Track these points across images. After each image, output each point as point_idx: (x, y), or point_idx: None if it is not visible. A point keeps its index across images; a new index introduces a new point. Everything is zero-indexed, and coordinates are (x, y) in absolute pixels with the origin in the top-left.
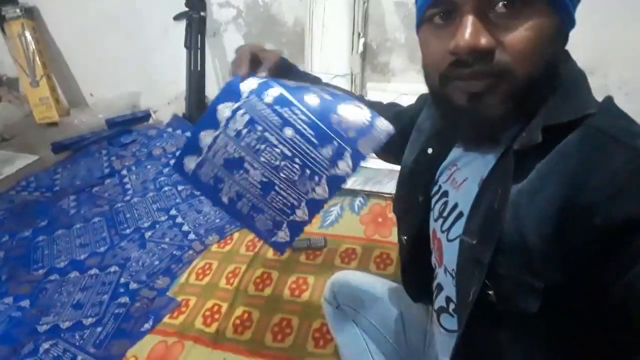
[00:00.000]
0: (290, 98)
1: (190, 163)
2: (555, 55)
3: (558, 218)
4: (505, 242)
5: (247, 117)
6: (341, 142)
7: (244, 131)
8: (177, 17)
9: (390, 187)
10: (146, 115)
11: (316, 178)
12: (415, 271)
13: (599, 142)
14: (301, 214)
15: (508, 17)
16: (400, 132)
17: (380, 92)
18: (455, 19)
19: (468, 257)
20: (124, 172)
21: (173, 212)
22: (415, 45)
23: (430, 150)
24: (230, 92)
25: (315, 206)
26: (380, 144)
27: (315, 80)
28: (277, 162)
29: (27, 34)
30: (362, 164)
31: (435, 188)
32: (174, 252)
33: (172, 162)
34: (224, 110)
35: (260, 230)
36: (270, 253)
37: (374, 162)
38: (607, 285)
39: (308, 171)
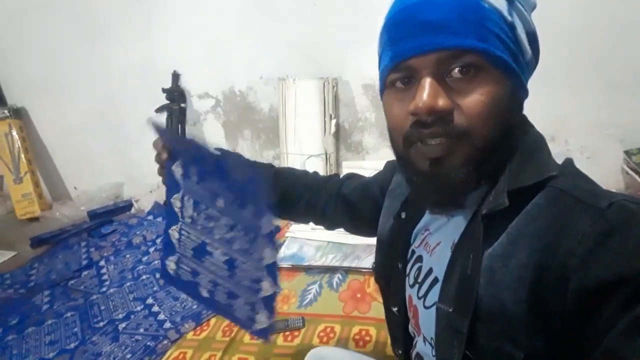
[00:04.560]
0: (207, 169)
1: (171, 264)
2: (511, 119)
3: (532, 283)
4: (482, 310)
5: (191, 201)
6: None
7: (195, 214)
8: (159, 110)
9: (368, 261)
10: (128, 205)
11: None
12: (405, 340)
13: (565, 204)
14: (267, 285)
15: (464, 82)
16: (371, 202)
17: (357, 169)
18: (415, 83)
19: (446, 326)
20: (102, 262)
21: (150, 300)
22: (385, 123)
23: (404, 215)
24: (172, 183)
25: (273, 270)
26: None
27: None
28: (228, 235)
29: (14, 133)
30: (340, 240)
31: (409, 253)
32: (148, 343)
33: (151, 250)
34: (176, 202)
35: (242, 320)
36: (247, 337)
37: (351, 238)
38: (586, 352)
39: (249, 235)
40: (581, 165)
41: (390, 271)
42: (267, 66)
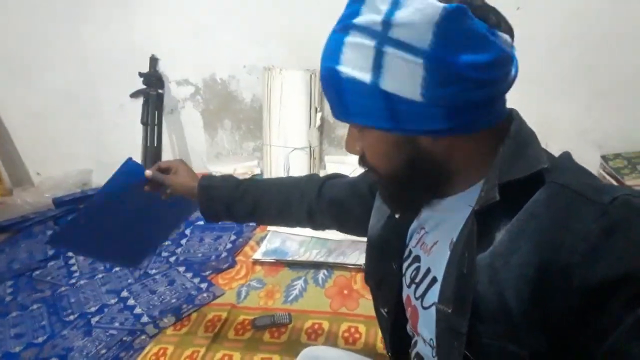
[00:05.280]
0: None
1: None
2: (406, 157)
3: (535, 280)
4: (484, 309)
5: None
6: None
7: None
8: (134, 95)
9: (354, 257)
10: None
11: None
12: (399, 341)
13: (567, 199)
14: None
15: (361, 135)
16: (358, 201)
17: (339, 164)
18: None
19: (445, 327)
20: (70, 253)
21: (124, 293)
22: None
23: (397, 215)
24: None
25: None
26: None
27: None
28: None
29: None
30: (324, 235)
31: (406, 253)
32: (124, 338)
33: None
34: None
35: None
36: (231, 333)
37: (335, 234)
38: (590, 351)
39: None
40: None
41: (382, 272)
42: (251, 55)
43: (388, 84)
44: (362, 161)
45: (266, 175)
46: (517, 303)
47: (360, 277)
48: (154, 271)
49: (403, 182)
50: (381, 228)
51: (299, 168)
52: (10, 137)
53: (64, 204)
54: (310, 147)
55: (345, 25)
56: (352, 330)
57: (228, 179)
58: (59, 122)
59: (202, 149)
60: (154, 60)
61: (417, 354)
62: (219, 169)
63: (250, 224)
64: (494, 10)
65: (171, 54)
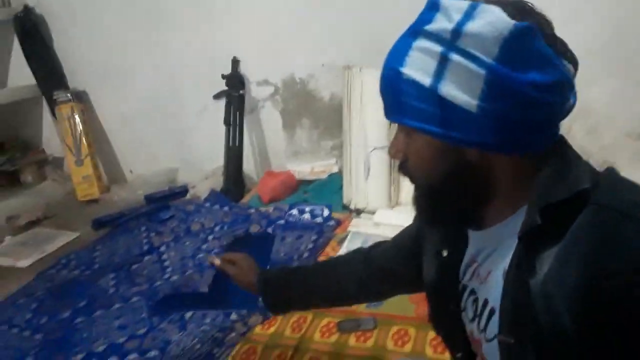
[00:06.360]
0: None
1: None
2: (449, 169)
3: (589, 306)
4: (546, 339)
5: None
6: None
7: None
8: (217, 96)
9: None
10: (184, 191)
11: None
12: None
13: (609, 220)
14: None
15: (408, 139)
16: (406, 261)
17: None
18: None
19: (511, 359)
20: (163, 248)
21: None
22: None
23: (445, 253)
24: None
25: None
26: None
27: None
28: None
29: (76, 116)
30: None
31: (460, 288)
32: (215, 335)
33: (210, 237)
34: None
35: None
36: (317, 335)
37: None
38: None
39: None
40: None
41: (447, 316)
42: (330, 54)
43: (446, 90)
44: (403, 168)
45: (345, 174)
46: (575, 330)
47: None
48: None
49: (442, 192)
50: (435, 273)
51: (379, 167)
52: (107, 137)
53: (154, 201)
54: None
55: (415, 31)
56: (439, 339)
57: (281, 275)
58: (148, 125)
59: (280, 148)
60: (235, 62)
61: None
62: (297, 167)
63: (330, 223)
64: (562, 41)
65: (251, 55)
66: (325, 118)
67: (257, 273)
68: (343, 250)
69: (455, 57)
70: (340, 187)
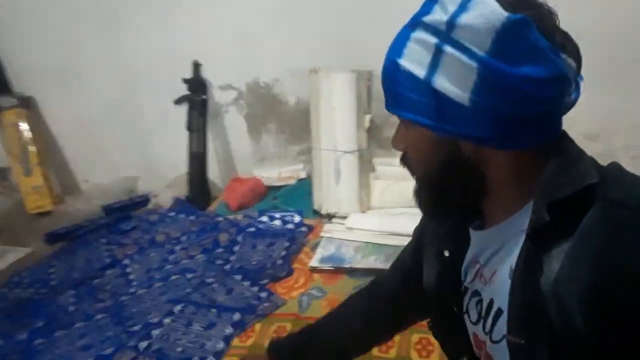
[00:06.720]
0: None
1: None
2: (442, 161)
3: (601, 306)
4: (558, 339)
5: None
6: None
7: None
8: (178, 101)
9: None
10: (145, 200)
11: None
12: None
13: (619, 216)
14: None
15: (406, 130)
16: (406, 275)
17: (387, 166)
18: None
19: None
20: (126, 261)
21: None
22: None
23: (447, 253)
24: None
25: None
26: None
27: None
28: None
29: (21, 123)
30: (379, 240)
31: (462, 290)
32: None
33: (177, 248)
34: None
35: None
36: None
37: (391, 238)
38: None
39: None
40: (624, 164)
41: (448, 320)
42: (295, 57)
43: (440, 83)
44: (404, 160)
45: (315, 179)
46: (587, 330)
47: None
48: (211, 280)
49: (440, 185)
50: (436, 275)
51: (349, 171)
52: (58, 145)
53: (113, 211)
54: (360, 150)
55: (415, 22)
56: (424, 342)
57: (293, 342)
58: (105, 130)
59: (246, 153)
60: (197, 66)
61: None
62: (264, 173)
63: (302, 229)
64: (563, 34)
65: (213, 59)
66: (292, 122)
67: (266, 349)
68: (317, 257)
69: (448, 49)
70: (310, 193)
